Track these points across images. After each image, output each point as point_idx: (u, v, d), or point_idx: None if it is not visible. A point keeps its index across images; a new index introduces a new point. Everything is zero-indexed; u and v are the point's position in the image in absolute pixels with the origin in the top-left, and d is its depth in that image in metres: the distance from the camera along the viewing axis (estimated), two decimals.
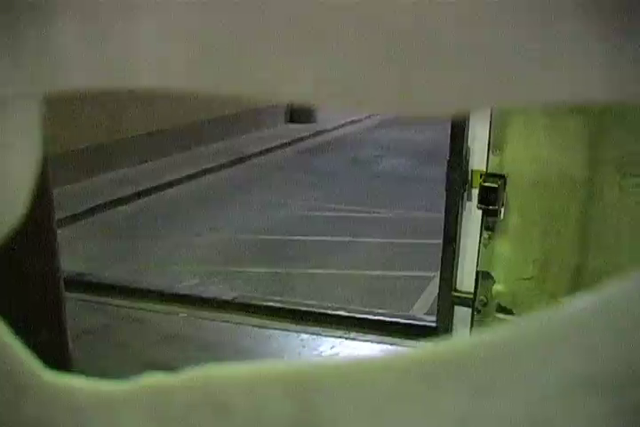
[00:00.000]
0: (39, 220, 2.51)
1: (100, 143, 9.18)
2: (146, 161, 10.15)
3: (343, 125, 14.87)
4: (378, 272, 6.07)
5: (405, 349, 0.36)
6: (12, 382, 0.36)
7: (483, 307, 2.77)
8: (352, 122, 15.30)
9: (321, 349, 4.39)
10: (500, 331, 0.32)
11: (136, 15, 0.33)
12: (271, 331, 4.57)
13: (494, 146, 2.66)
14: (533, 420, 0.32)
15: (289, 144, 12.67)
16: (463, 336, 0.33)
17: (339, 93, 0.32)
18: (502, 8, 0.30)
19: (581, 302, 0.33)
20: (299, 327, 4.60)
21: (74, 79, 0.34)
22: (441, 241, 3.35)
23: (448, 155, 2.98)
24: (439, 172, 5.45)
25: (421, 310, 5.18)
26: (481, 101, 0.32)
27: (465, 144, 2.91)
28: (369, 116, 16.01)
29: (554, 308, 0.33)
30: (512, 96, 0.31)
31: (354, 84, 0.31)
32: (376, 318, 4.62)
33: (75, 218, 7.34)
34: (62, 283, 2.92)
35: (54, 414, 0.36)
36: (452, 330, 3.07)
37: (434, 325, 3.52)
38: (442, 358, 0.32)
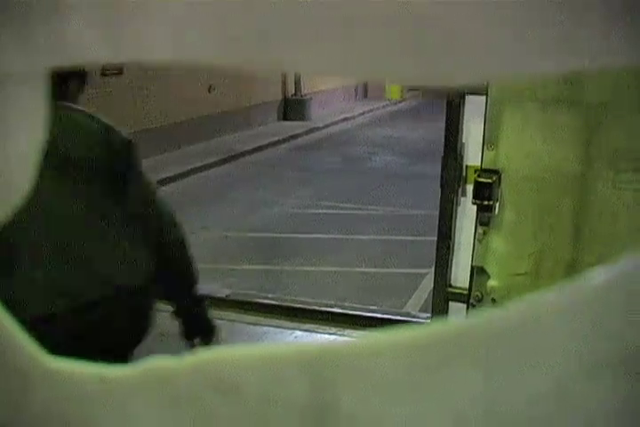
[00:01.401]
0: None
1: None
2: None
3: (336, 123, 14.88)
4: (371, 269, 6.08)
5: (418, 324, 0.35)
6: (18, 371, 0.36)
7: (477, 302, 2.77)
8: (345, 119, 15.32)
9: None
10: (513, 308, 0.32)
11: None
12: (265, 328, 4.58)
13: (489, 141, 2.66)
14: (555, 397, 0.32)
15: (282, 142, 12.67)
16: (478, 314, 0.33)
17: (366, 67, 0.32)
18: None
19: (595, 278, 0.32)
20: (292, 324, 4.60)
21: (85, 53, 0.34)
22: (434, 238, 3.36)
23: (442, 150, 2.98)
24: (431, 169, 5.45)
25: (415, 307, 5.19)
26: (499, 72, 0.32)
27: (459, 140, 2.91)
28: (362, 114, 16.02)
29: (562, 286, 0.32)
30: (530, 67, 0.31)
31: (379, 57, 0.31)
32: (370, 314, 4.63)
33: None
34: None
35: (61, 401, 0.35)
36: None
37: (428, 321, 3.52)
38: (457, 333, 0.32)
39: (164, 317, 4.71)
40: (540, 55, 0.31)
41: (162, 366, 0.35)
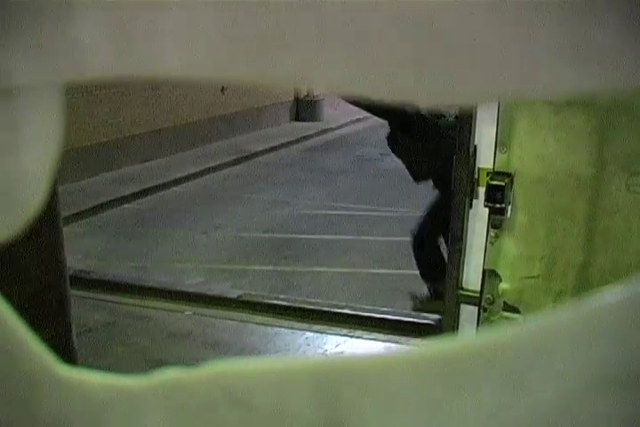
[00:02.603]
0: (45, 217, 2.51)
1: (104, 141, 9.19)
2: (151, 159, 10.16)
3: (348, 124, 14.85)
4: (383, 271, 6.07)
5: (430, 343, 0.35)
6: (30, 379, 0.36)
7: (489, 305, 2.76)
8: (357, 120, 15.29)
9: (326, 347, 4.39)
10: (531, 323, 0.32)
11: (163, 7, 0.33)
12: (276, 329, 4.58)
13: (501, 144, 2.66)
14: (565, 413, 0.32)
15: (294, 142, 12.66)
16: (490, 331, 0.33)
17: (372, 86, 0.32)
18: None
19: (614, 295, 0.32)
20: (304, 325, 4.60)
21: (98, 68, 0.34)
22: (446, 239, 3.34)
23: (455, 153, 2.97)
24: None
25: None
26: (507, 93, 0.32)
27: (472, 142, 2.90)
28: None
29: (584, 301, 0.32)
30: (538, 89, 0.31)
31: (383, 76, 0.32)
32: (381, 316, 4.62)
33: (80, 216, 7.34)
34: (68, 280, 2.92)
35: (70, 409, 0.36)
36: (457, 328, 3.07)
37: (439, 323, 3.51)
38: (470, 352, 0.32)
39: (177, 317, 4.73)
40: (557, 73, 0.31)
41: (174, 376, 0.36)
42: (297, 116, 14.69)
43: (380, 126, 14.49)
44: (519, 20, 0.31)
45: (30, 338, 0.37)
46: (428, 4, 0.31)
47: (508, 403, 0.32)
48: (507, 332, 0.32)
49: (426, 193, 8.66)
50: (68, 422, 0.37)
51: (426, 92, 0.32)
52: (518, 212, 2.69)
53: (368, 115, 16.40)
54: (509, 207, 2.70)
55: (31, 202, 0.39)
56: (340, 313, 4.69)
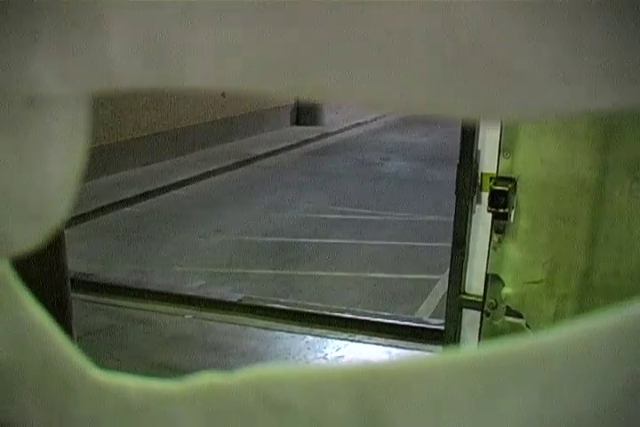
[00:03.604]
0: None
1: (105, 144, 9.20)
2: (151, 162, 10.16)
3: (349, 128, 14.88)
4: (383, 275, 6.07)
5: (466, 349, 0.35)
6: (64, 383, 0.36)
7: (492, 310, 2.76)
8: (358, 124, 15.31)
9: (326, 351, 4.39)
10: (566, 330, 0.32)
11: (192, 22, 0.33)
12: (277, 333, 4.58)
13: (504, 149, 2.66)
14: (598, 419, 0.32)
15: (295, 146, 12.68)
16: (522, 338, 0.33)
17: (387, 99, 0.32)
18: (528, 21, 0.30)
19: None
20: (304, 329, 4.60)
21: (126, 78, 0.34)
22: (446, 244, 3.35)
23: (458, 158, 2.97)
24: (444, 174, 5.44)
25: (426, 313, 5.18)
26: (500, 111, 0.32)
27: (475, 147, 2.90)
28: (374, 119, 16.02)
29: (622, 308, 0.32)
30: (531, 108, 0.31)
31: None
32: (382, 320, 4.62)
33: (81, 219, 7.34)
34: (69, 283, 2.92)
35: (106, 414, 0.35)
36: (459, 333, 3.07)
37: (441, 328, 3.51)
38: (505, 358, 0.32)
39: (178, 321, 4.72)
40: (588, 91, 0.31)
41: (211, 381, 0.36)
42: (298, 121, 14.72)
43: (380, 130, 14.44)
44: (528, 34, 0.31)
45: (65, 342, 0.36)
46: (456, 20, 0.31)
47: (539, 412, 0.32)
48: (540, 340, 0.32)
49: (425, 198, 8.67)
50: None
51: (466, 108, 0.32)
52: (521, 217, 2.69)
53: (368, 119, 16.41)
54: (512, 212, 2.70)
55: (54, 214, 0.39)
56: (341, 317, 4.69)
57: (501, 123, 2.61)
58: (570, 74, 0.31)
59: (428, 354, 0.33)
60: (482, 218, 2.90)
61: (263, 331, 4.62)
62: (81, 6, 0.34)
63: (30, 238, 0.38)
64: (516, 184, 2.65)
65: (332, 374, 0.33)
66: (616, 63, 0.30)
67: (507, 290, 2.73)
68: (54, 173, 0.38)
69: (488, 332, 2.79)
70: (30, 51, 0.34)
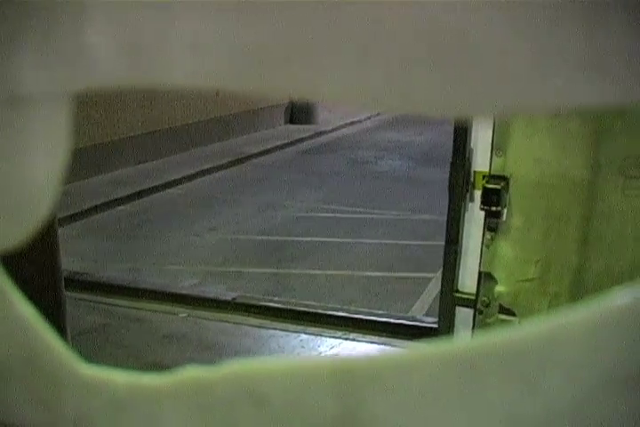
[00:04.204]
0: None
1: (99, 143, 9.18)
2: (145, 161, 10.15)
3: (343, 126, 14.87)
4: (376, 273, 6.08)
5: (446, 342, 0.36)
6: (51, 378, 0.36)
7: (485, 308, 2.77)
8: (352, 123, 15.31)
9: (320, 349, 4.39)
10: (547, 322, 0.32)
11: (172, 16, 0.33)
12: (271, 331, 4.58)
13: (497, 147, 2.67)
14: (579, 411, 0.32)
15: (289, 145, 12.67)
16: (503, 329, 0.33)
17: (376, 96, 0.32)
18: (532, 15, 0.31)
19: (625, 295, 0.33)
20: (298, 328, 4.60)
21: (105, 77, 0.34)
22: (440, 243, 3.35)
23: (451, 156, 2.98)
24: (437, 173, 5.45)
25: (420, 311, 5.18)
26: (494, 107, 0.33)
27: (468, 146, 2.91)
28: (368, 118, 16.02)
29: (601, 299, 0.33)
30: (526, 103, 0.32)
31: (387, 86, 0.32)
32: (376, 318, 4.63)
33: (74, 218, 7.33)
34: (62, 282, 2.92)
35: (92, 408, 0.36)
36: (453, 331, 3.07)
37: (435, 326, 3.52)
38: (486, 350, 0.32)
39: (172, 319, 4.72)
40: (571, 85, 0.31)
41: (194, 375, 0.36)
42: (292, 119, 14.70)
43: (374, 129, 14.42)
44: (530, 29, 0.31)
45: (51, 336, 0.37)
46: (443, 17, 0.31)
47: (522, 402, 0.33)
48: (521, 331, 0.33)
49: (418, 196, 8.68)
50: (90, 421, 0.37)
51: (441, 105, 0.33)
52: (514, 215, 2.70)
53: (362, 117, 16.41)
54: (505, 210, 2.71)
55: (37, 212, 0.39)
56: (335, 316, 4.70)
57: (493, 121, 2.62)
58: (551, 70, 0.31)
59: (409, 346, 0.33)
60: (475, 216, 2.91)
61: (257, 329, 4.62)
62: (63, 5, 0.34)
63: (12, 237, 0.39)
64: (508, 182, 2.66)
65: (314, 367, 0.33)
66: (595, 59, 0.30)
67: (499, 288, 2.73)
68: (36, 171, 0.38)
69: (481, 329, 2.80)
70: (12, 50, 0.35)
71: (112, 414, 0.36)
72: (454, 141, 2.95)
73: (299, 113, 14.66)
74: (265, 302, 4.92)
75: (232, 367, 0.35)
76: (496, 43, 0.31)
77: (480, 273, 2.80)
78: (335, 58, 0.32)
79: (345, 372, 0.33)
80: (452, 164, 2.95)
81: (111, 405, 0.36)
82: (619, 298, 0.33)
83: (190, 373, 0.36)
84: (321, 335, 4.54)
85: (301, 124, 14.45)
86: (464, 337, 0.34)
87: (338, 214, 8.08)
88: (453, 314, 3.08)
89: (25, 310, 0.39)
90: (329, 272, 6.06)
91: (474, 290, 2.87)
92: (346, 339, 4.49)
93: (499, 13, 0.31)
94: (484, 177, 2.74)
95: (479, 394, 0.33)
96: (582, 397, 0.33)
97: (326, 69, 0.32)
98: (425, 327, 4.31)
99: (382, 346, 4.36)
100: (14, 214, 0.39)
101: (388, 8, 0.31)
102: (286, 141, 12.72)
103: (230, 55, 0.33)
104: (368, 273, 6.07)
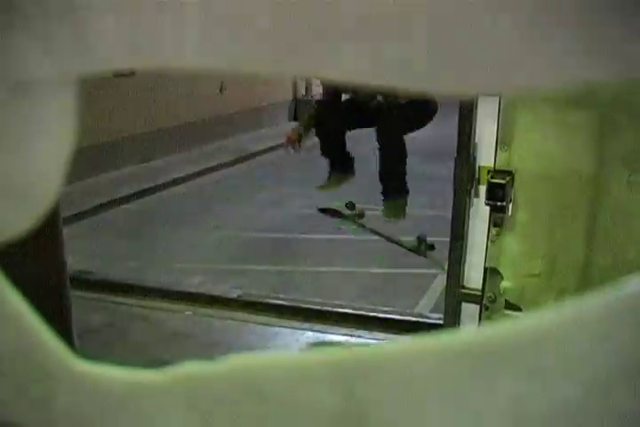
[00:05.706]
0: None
1: (103, 141, 9.19)
2: (149, 159, 10.15)
3: None
4: (382, 270, 6.07)
5: (450, 333, 0.35)
6: (44, 373, 0.36)
7: (491, 303, 2.76)
8: None
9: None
10: (551, 314, 0.32)
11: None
12: (276, 329, 4.58)
13: (502, 142, 2.65)
14: (587, 402, 0.32)
15: None
16: (509, 321, 0.32)
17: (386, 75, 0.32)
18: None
19: (634, 285, 0.32)
20: (304, 325, 4.60)
21: (112, 61, 0.34)
22: (444, 239, 3.34)
23: (452, 149, 2.97)
24: (441, 169, 5.42)
25: (426, 308, 5.18)
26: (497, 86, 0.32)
27: (472, 140, 2.90)
28: None
29: (612, 288, 0.32)
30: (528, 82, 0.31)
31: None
32: (382, 315, 4.62)
33: (79, 216, 7.34)
34: (68, 281, 2.92)
35: (88, 405, 0.35)
36: (459, 327, 3.06)
37: (441, 322, 3.51)
38: (488, 341, 0.32)
39: (178, 317, 4.71)
40: (564, 63, 0.30)
41: (193, 371, 0.35)
42: (295, 116, 14.68)
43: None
44: (523, 9, 0.30)
45: (46, 333, 0.36)
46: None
47: (528, 395, 0.32)
48: (527, 323, 0.32)
49: (422, 192, 8.66)
50: (86, 418, 0.36)
51: (439, 83, 0.32)
52: (519, 210, 2.69)
53: None
54: (510, 205, 2.69)
55: (42, 201, 0.38)
56: (341, 313, 4.69)
57: (498, 115, 2.61)
58: (542, 47, 0.30)
59: (412, 338, 0.33)
60: (480, 211, 2.90)
61: (263, 327, 4.62)
62: None
63: (18, 225, 0.38)
64: (513, 177, 2.65)
65: (315, 361, 0.33)
66: (589, 37, 0.30)
67: (505, 283, 2.72)
68: (41, 157, 0.37)
69: (487, 325, 2.79)
70: (15, 35, 0.34)
71: (106, 410, 0.35)
72: (459, 136, 2.94)
73: (302, 110, 14.64)
74: (270, 299, 4.92)
75: (231, 363, 0.35)
76: (489, 15, 0.30)
77: (486, 269, 2.79)
78: (347, 38, 0.31)
79: (348, 364, 0.32)
80: (457, 159, 2.94)
81: (107, 401, 0.35)
82: (630, 286, 0.32)
83: (187, 368, 0.36)
84: (327, 332, 4.54)
85: None
86: (468, 329, 0.34)
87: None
88: (459, 310, 3.07)
89: (18, 305, 0.39)
90: (334, 269, 6.06)
91: (479, 286, 2.86)
92: (352, 336, 4.48)
93: None
94: (488, 172, 2.73)
95: (484, 387, 0.32)
96: (590, 390, 0.32)
97: (338, 50, 0.31)
98: (431, 324, 4.31)
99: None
100: (20, 202, 0.39)
101: None
102: None
103: (237, 36, 0.32)
104: (373, 270, 6.07)
